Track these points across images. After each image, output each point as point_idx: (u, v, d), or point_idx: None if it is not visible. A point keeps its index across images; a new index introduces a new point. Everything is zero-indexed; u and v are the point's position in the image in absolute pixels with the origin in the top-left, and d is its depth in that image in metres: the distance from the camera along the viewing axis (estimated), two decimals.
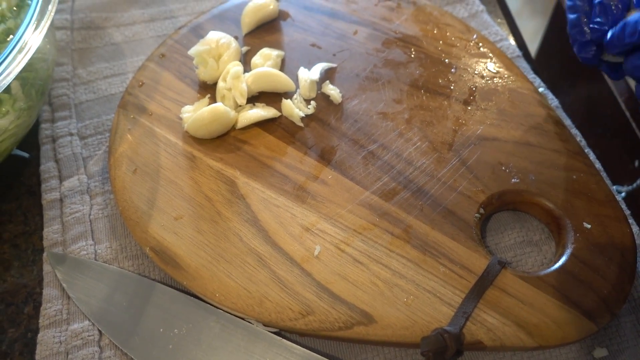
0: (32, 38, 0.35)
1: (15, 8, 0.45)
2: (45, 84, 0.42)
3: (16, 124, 0.39)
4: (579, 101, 0.60)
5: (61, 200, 0.42)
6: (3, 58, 0.34)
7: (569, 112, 0.46)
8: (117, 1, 0.55)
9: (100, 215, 0.42)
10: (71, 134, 0.46)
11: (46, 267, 0.39)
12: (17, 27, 0.44)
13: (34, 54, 0.36)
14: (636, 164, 0.58)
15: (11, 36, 0.43)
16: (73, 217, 0.41)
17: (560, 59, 0.69)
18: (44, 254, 0.40)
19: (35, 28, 0.36)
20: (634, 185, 0.58)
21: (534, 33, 0.55)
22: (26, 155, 0.46)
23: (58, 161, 0.44)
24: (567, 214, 0.37)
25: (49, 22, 0.36)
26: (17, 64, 0.34)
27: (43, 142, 0.46)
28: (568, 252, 0.36)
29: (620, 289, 0.34)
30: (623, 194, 0.59)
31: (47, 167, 0.44)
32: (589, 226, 0.36)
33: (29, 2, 0.45)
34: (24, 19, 0.36)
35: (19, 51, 0.34)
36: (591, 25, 0.35)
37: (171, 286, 0.37)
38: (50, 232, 0.41)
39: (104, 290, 0.38)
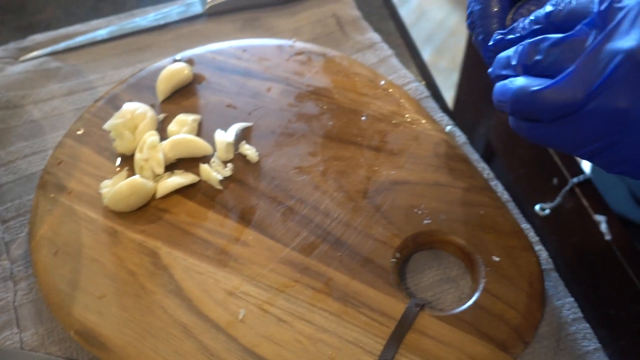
0: None
1: None
2: None
3: None
4: (496, 129, 0.63)
5: None
6: None
7: (490, 139, 0.48)
8: (34, 77, 0.56)
9: (25, 300, 0.41)
10: None
11: None
12: None
13: None
14: (555, 181, 0.61)
15: None
16: None
17: (478, 96, 0.73)
18: None
19: None
20: (556, 201, 0.61)
21: (445, 71, 0.58)
22: None
23: None
24: (477, 250, 0.39)
25: None
26: None
27: None
28: (480, 286, 0.37)
29: (530, 317, 0.36)
30: (547, 211, 0.62)
31: None
32: (498, 259, 0.38)
33: None
34: None
35: None
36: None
37: None
38: None
39: None
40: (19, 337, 0.39)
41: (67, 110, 0.54)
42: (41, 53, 0.57)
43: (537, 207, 0.62)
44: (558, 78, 0.27)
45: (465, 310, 0.36)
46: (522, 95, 0.29)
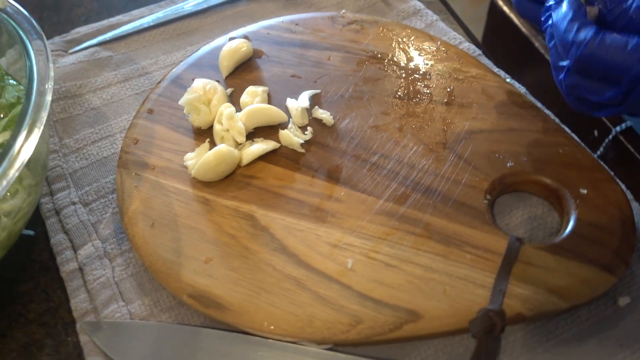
0: (40, 115, 0.36)
1: None
2: (46, 157, 0.42)
3: (28, 202, 0.39)
4: (531, 87, 0.65)
5: (81, 269, 0.42)
6: (14, 140, 0.34)
7: (535, 96, 0.50)
8: (87, 67, 0.56)
9: (125, 275, 0.42)
10: (73, 203, 0.46)
11: (83, 338, 0.39)
12: (3, 107, 0.44)
13: None
14: (595, 133, 0.64)
15: (2, 115, 0.43)
16: (98, 282, 0.41)
17: (505, 53, 0.75)
18: (77, 325, 0.39)
19: (40, 104, 0.36)
20: (599, 152, 0.63)
21: (477, 33, 0.60)
22: (31, 233, 0.45)
23: (67, 232, 0.44)
24: (563, 185, 0.41)
25: (50, 97, 0.37)
26: (29, 145, 0.34)
27: (47, 215, 0.45)
28: (573, 217, 0.39)
29: (626, 240, 0.38)
30: None
31: (58, 239, 0.44)
32: (585, 191, 0.40)
33: (11, 82, 0.46)
34: (27, 97, 0.36)
35: (29, 131, 0.35)
36: None
37: (215, 328, 0.38)
38: (78, 302, 0.40)
39: (148, 347, 0.38)
40: (126, 309, 0.40)
41: (126, 95, 0.54)
42: (90, 44, 0.58)
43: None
44: None
45: (564, 239, 0.38)
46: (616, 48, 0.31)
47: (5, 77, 0.46)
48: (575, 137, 0.45)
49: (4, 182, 0.32)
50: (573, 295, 0.35)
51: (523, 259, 0.37)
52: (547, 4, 0.37)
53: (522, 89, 0.50)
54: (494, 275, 0.37)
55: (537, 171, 0.42)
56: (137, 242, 0.41)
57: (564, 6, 0.35)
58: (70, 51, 0.57)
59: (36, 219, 0.46)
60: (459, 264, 0.37)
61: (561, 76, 0.36)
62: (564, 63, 0.35)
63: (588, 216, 0.39)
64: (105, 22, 0.60)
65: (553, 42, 0.37)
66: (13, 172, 0.33)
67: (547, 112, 0.48)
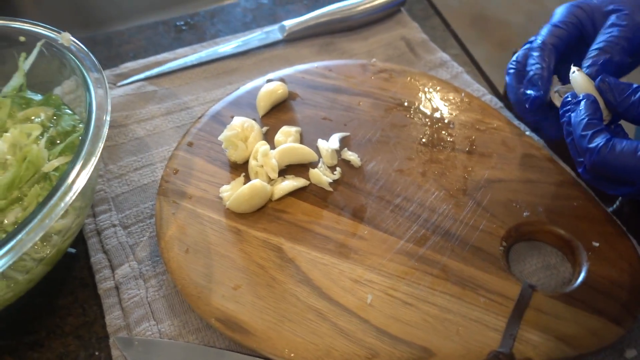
0: (97, 146, 0.39)
1: (54, 118, 0.49)
2: (95, 182, 0.46)
3: (76, 222, 0.43)
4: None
5: (117, 287, 0.45)
6: (72, 167, 0.38)
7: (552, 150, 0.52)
8: (134, 99, 0.60)
9: (157, 296, 0.45)
10: (114, 225, 0.49)
11: (114, 352, 0.41)
12: (60, 134, 0.48)
13: None
14: None
15: (59, 142, 0.47)
16: (132, 301, 0.44)
17: None
18: (111, 340, 0.42)
19: (97, 136, 0.40)
20: (615, 205, 0.65)
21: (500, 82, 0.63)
22: (73, 251, 0.49)
23: (107, 252, 0.48)
24: (576, 237, 0.43)
25: (106, 129, 0.41)
26: (85, 172, 0.38)
27: (88, 236, 0.49)
28: (585, 268, 0.41)
29: (635, 294, 0.39)
30: None
31: (98, 258, 0.47)
32: (597, 244, 0.42)
33: (68, 111, 0.50)
34: (87, 129, 0.40)
35: (85, 161, 0.38)
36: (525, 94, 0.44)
37: (238, 352, 0.40)
38: (113, 318, 0.43)
39: None
40: (157, 328, 0.43)
41: (167, 128, 0.58)
42: (137, 78, 0.63)
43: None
44: None
45: (575, 289, 0.40)
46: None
47: (62, 107, 0.50)
48: (590, 192, 0.47)
49: (62, 205, 0.36)
50: (581, 344, 0.37)
51: (535, 306, 0.39)
52: (565, 99, 0.41)
53: (541, 142, 0.53)
54: (506, 320, 0.39)
55: (552, 222, 0.44)
56: (172, 265, 0.44)
57: (582, 107, 0.39)
58: (119, 84, 0.62)
59: (78, 239, 0.49)
60: (473, 307, 0.40)
61: (579, 170, 0.40)
62: (581, 160, 0.39)
63: (599, 268, 0.41)
64: (152, 59, 0.65)
65: (570, 138, 0.40)
66: (69, 198, 0.36)
67: (564, 165, 0.50)
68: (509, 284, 0.41)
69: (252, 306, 0.41)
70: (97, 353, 0.43)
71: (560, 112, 0.41)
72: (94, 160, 0.39)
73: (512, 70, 0.46)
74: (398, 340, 0.38)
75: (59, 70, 0.50)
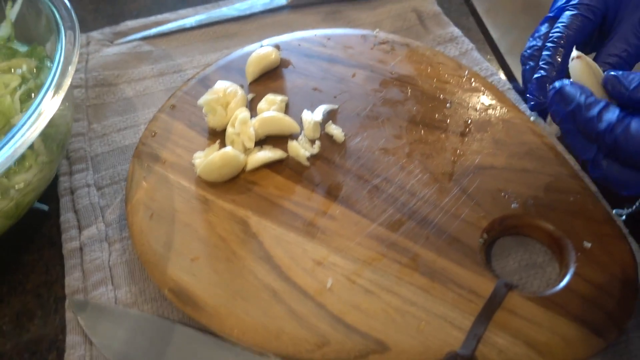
0: (55, 96, 0.38)
1: (35, 70, 0.48)
2: (64, 138, 0.45)
3: (39, 178, 0.41)
4: None
5: (81, 249, 0.44)
6: (27, 117, 0.36)
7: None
8: (128, 59, 0.59)
9: (119, 261, 0.43)
10: (88, 185, 0.48)
11: (68, 315, 0.40)
12: (38, 87, 0.47)
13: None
14: None
15: (33, 95, 0.46)
16: (93, 264, 0.43)
17: None
18: (66, 302, 0.41)
19: (57, 88, 0.38)
20: (634, 207, 0.59)
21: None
22: (45, 207, 0.48)
23: (77, 212, 0.46)
24: (567, 235, 0.39)
25: (68, 82, 0.39)
26: (40, 122, 0.36)
27: (62, 194, 0.48)
28: (571, 271, 0.37)
29: (625, 304, 0.35)
30: (624, 217, 0.61)
31: (67, 217, 0.46)
32: (589, 245, 0.38)
33: (48, 64, 0.49)
34: (46, 80, 0.38)
35: (41, 111, 0.37)
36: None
37: (190, 326, 0.39)
38: (72, 279, 0.42)
39: (126, 333, 0.39)
40: (113, 294, 0.41)
41: (157, 89, 0.56)
42: (134, 37, 0.61)
43: (614, 211, 0.61)
44: None
45: (556, 292, 0.36)
46: None
47: (45, 59, 0.49)
48: (593, 188, 0.42)
49: (11, 149, 0.34)
50: (553, 354, 0.33)
51: (508, 307, 0.36)
52: (552, 90, 0.35)
53: (547, 129, 0.48)
54: (473, 319, 0.35)
55: (542, 216, 0.40)
56: (134, 230, 0.42)
57: (576, 90, 0.34)
58: (116, 42, 0.61)
59: (53, 196, 0.48)
60: (440, 301, 0.36)
61: (592, 171, 0.35)
62: (590, 155, 0.34)
63: (587, 272, 0.37)
64: (152, 18, 0.63)
65: (572, 134, 0.35)
66: (19, 143, 0.35)
67: (568, 156, 0.46)
68: (483, 280, 0.37)
69: (207, 280, 0.39)
70: (53, 314, 0.42)
71: (550, 108, 0.36)
72: (50, 110, 0.37)
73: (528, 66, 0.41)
74: (352, 329, 0.35)
75: (47, 24, 0.48)
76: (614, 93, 0.34)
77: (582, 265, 0.37)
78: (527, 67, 0.40)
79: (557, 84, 0.34)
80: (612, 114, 0.32)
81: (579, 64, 0.35)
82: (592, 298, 0.35)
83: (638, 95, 0.33)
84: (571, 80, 0.35)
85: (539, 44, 0.41)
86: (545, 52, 0.39)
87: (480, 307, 0.36)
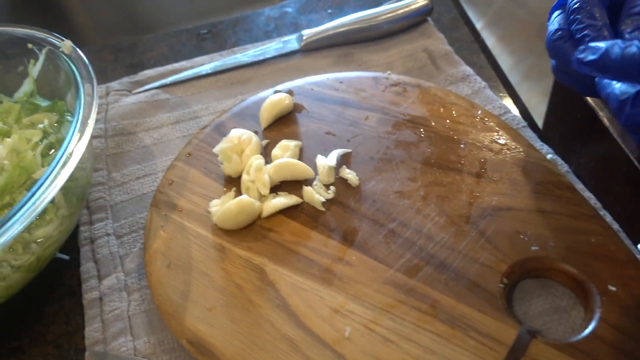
0: (75, 150, 0.39)
1: (56, 124, 0.50)
2: (84, 190, 0.45)
3: (59, 230, 0.42)
4: (590, 163, 0.61)
5: (101, 299, 0.44)
6: (49, 172, 0.37)
7: (582, 175, 0.47)
8: (146, 107, 0.60)
9: (138, 310, 0.43)
10: (108, 234, 0.49)
11: None
12: (59, 141, 0.48)
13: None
14: None
15: (53, 150, 0.47)
16: (112, 314, 0.43)
17: (567, 123, 0.71)
18: (86, 353, 0.41)
19: (78, 140, 0.39)
20: None
21: (536, 103, 0.58)
22: (66, 257, 0.49)
23: (97, 261, 0.47)
24: (590, 278, 0.38)
25: (89, 135, 0.40)
26: (62, 177, 0.37)
27: (82, 244, 0.48)
28: (597, 316, 0.36)
29: None
30: None
31: (87, 267, 0.46)
32: (614, 289, 0.37)
33: (69, 118, 0.50)
34: (68, 133, 0.40)
35: (64, 164, 0.38)
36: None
37: None
38: (92, 330, 0.42)
39: None
40: (132, 344, 0.41)
41: (174, 137, 0.57)
42: (152, 86, 0.62)
43: (638, 246, 0.59)
44: None
45: (582, 339, 0.35)
46: None
47: (66, 113, 0.51)
48: (616, 227, 0.42)
49: (28, 211, 0.35)
50: None
51: (532, 355, 0.35)
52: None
53: (565, 167, 0.47)
54: None
55: (563, 259, 0.39)
56: (152, 280, 0.42)
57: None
58: (134, 92, 0.62)
59: (74, 245, 0.49)
60: (460, 350, 0.35)
61: (627, 109, 0.32)
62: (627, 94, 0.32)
63: (613, 317, 0.36)
64: (169, 67, 0.65)
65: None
66: (37, 204, 0.36)
67: (589, 194, 0.45)
68: (505, 327, 0.36)
69: (225, 329, 0.39)
70: None
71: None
72: (71, 165, 0.38)
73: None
74: None
75: (67, 78, 0.50)
76: None
77: (607, 310, 0.36)
78: (562, 46, 0.36)
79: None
80: None
81: None
82: (618, 345, 0.34)
83: None
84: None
85: (564, 25, 0.36)
86: (579, 23, 0.35)
87: (503, 356, 0.35)
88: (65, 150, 0.39)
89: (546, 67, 0.42)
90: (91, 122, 0.41)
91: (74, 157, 0.39)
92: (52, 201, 0.42)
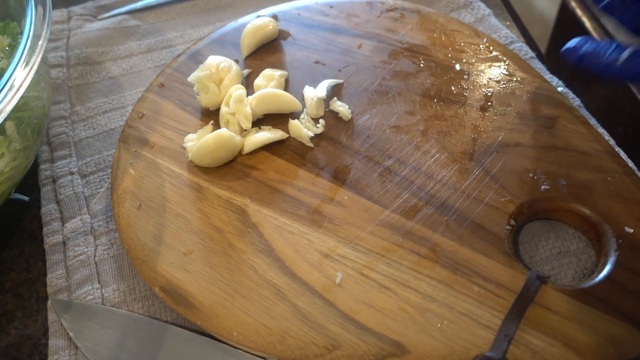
0: (21, 75, 0.33)
1: (7, 48, 0.44)
2: (41, 122, 0.40)
3: (12, 166, 0.37)
4: (597, 101, 0.57)
5: (64, 243, 0.40)
6: None
7: (590, 111, 0.43)
8: (113, 34, 0.54)
9: (106, 256, 0.39)
10: (72, 173, 0.44)
11: (51, 316, 0.37)
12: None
13: (26, 92, 0.34)
14: None
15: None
16: (77, 260, 0.39)
17: None
18: (49, 302, 0.37)
19: (25, 65, 0.34)
20: None
21: (542, 34, 0.53)
22: (26, 198, 0.44)
23: (59, 202, 0.42)
24: (605, 219, 0.34)
25: (39, 59, 0.35)
26: (7, 102, 0.32)
27: (43, 183, 0.44)
28: (612, 260, 0.33)
29: None
30: None
31: (48, 209, 0.42)
32: (632, 230, 0.34)
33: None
34: (14, 57, 0.34)
35: (9, 89, 0.32)
36: None
37: (185, 327, 0.35)
38: (54, 277, 0.38)
39: (113, 336, 0.35)
40: (100, 292, 0.37)
41: (145, 67, 0.52)
42: (119, 11, 0.56)
43: None
44: None
45: (596, 284, 0.32)
46: None
47: (19, 36, 0.45)
48: (631, 165, 0.38)
49: None
50: (595, 355, 0.29)
51: (542, 302, 0.31)
52: None
53: (577, 101, 0.43)
54: (503, 316, 0.31)
55: (576, 199, 0.35)
56: (121, 222, 0.38)
57: None
58: (99, 17, 0.56)
59: (34, 185, 0.44)
60: (464, 297, 0.32)
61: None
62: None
63: (630, 261, 0.32)
64: None
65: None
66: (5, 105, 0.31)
67: (602, 131, 0.41)
68: (512, 272, 0.33)
69: (202, 276, 0.35)
70: (35, 315, 0.38)
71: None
72: (18, 92, 0.33)
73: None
74: (366, 330, 0.31)
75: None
76: None
77: (624, 254, 0.33)
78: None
79: None
80: None
81: None
82: (636, 290, 0.31)
83: None
84: None
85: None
86: None
87: (511, 303, 0.31)
88: (11, 74, 0.33)
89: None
90: (42, 43, 0.35)
91: (21, 81, 0.33)
92: (3, 133, 0.37)
